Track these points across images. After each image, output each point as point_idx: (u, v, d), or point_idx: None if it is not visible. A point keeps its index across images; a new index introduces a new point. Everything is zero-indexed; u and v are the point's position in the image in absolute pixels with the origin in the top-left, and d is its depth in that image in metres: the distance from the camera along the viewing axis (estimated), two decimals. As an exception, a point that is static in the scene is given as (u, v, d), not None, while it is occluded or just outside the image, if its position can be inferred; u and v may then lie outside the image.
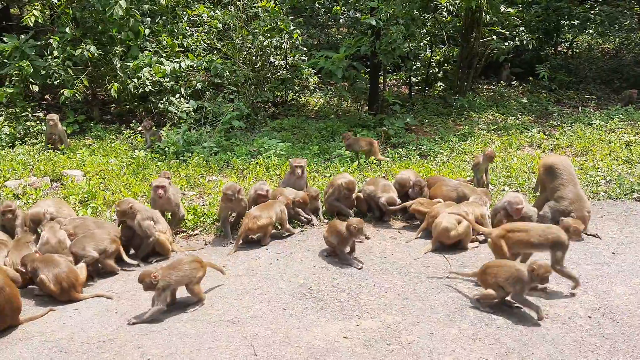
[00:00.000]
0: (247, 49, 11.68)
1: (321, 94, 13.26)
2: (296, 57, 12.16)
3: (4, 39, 9.96)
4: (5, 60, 9.92)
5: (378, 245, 6.32)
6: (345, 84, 11.64)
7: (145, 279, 4.74)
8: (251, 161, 8.88)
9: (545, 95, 13.86)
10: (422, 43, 13.05)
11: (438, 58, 14.52)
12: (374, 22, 9.98)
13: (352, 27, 14.33)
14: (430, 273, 5.61)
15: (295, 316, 4.84)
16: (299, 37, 11.98)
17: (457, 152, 9.61)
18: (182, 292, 5.10)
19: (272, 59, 11.94)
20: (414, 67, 13.75)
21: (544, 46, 15.74)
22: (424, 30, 12.72)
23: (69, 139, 9.43)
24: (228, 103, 10.83)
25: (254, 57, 11.73)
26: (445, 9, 12.62)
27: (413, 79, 13.99)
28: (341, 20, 12.69)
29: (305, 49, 12.42)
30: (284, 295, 5.19)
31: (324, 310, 4.94)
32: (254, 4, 11.54)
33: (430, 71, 14.18)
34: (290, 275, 5.60)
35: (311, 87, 13.05)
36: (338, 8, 11.17)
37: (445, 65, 14.47)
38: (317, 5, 13.30)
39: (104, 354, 4.30)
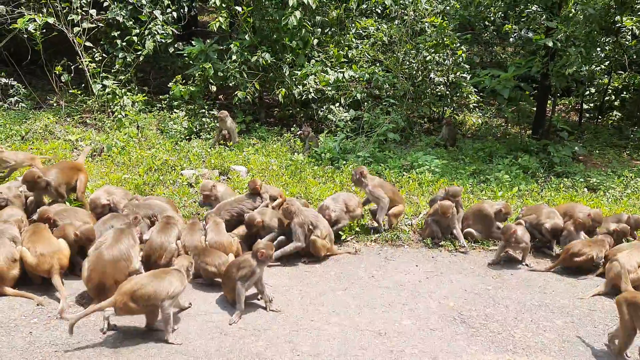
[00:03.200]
0: (408, 63, 11.67)
1: (480, 114, 12.80)
2: (457, 74, 11.88)
3: (193, 42, 11.06)
4: (191, 62, 11.01)
5: (537, 279, 5.90)
6: (504, 105, 11.08)
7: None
8: (403, 175, 8.83)
9: None
10: (599, 67, 12.00)
11: (616, 84, 13.26)
12: (550, 43, 9.39)
13: (520, 47, 13.65)
14: (596, 318, 5.10)
15: (444, 339, 4.69)
16: (463, 54, 11.71)
17: (633, 189, 8.65)
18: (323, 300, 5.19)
19: (432, 75, 11.81)
20: (587, 92, 12.67)
21: None
22: (602, 54, 11.70)
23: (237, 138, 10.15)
24: (385, 115, 10.90)
25: (414, 72, 11.70)
26: (629, 32, 11.49)
27: (585, 105, 12.91)
28: (511, 39, 12.14)
29: (467, 66, 12.08)
30: (432, 316, 5.06)
31: (475, 338, 4.73)
32: (421, 18, 11.51)
33: (606, 98, 12.98)
34: (440, 296, 5.44)
35: (471, 106, 12.65)
36: (510, 26, 10.70)
37: (624, 93, 13.15)
38: (486, 22, 12.90)
39: (258, 342, 4.53)
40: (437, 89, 11.93)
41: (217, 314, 4.93)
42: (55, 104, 10.71)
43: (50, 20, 10.01)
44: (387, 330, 4.80)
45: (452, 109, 12.24)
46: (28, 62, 10.81)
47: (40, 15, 10.04)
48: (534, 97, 11.47)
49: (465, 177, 8.83)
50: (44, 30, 10.07)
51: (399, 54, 11.42)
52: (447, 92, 11.89)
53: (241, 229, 6.23)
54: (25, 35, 10.08)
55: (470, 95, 12.26)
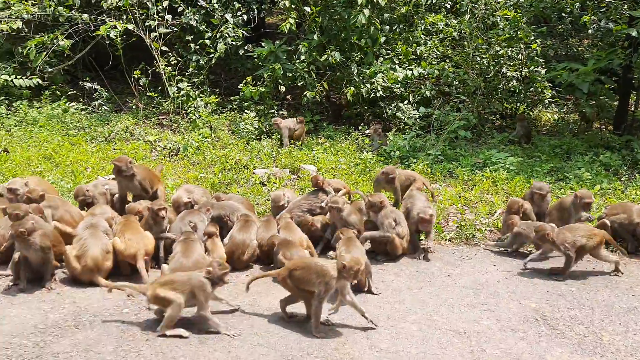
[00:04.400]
0: (479, 58, 11.39)
1: (556, 109, 12.30)
2: (531, 69, 11.47)
3: (262, 44, 11.30)
4: (260, 63, 11.25)
5: (626, 282, 5.61)
6: (584, 100, 10.58)
7: None
8: (476, 173, 8.63)
9: None
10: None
11: None
12: (634, 33, 8.89)
13: (599, 39, 12.99)
14: (694, 323, 4.79)
15: (526, 340, 4.56)
16: (537, 48, 11.29)
17: None
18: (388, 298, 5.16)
19: (504, 70, 11.46)
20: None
21: None
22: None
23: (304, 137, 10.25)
24: (455, 112, 10.70)
25: (485, 67, 11.40)
26: None
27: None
28: (590, 31, 11.57)
29: (542, 60, 11.64)
30: (514, 317, 4.93)
31: (560, 340, 4.57)
32: (493, 12, 11.21)
33: (694, 90, 12.14)
34: (520, 296, 5.29)
35: (545, 101, 12.17)
36: (588, 17, 10.22)
37: None
38: (563, 14, 12.36)
39: (336, 337, 4.57)
40: (510, 84, 11.57)
41: (295, 309, 5.01)
42: (134, 107, 11.25)
43: (130, 26, 10.53)
44: (467, 330, 4.71)
45: (525, 104, 11.84)
46: (109, 67, 11.42)
47: (121, 22, 10.57)
48: (615, 91, 10.90)
49: (542, 175, 8.52)
50: (124, 36, 10.61)
51: (469, 49, 11.17)
52: (520, 88, 11.50)
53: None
54: (107, 42, 10.66)
55: (545, 90, 11.80)
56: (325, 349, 4.39)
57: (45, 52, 10.68)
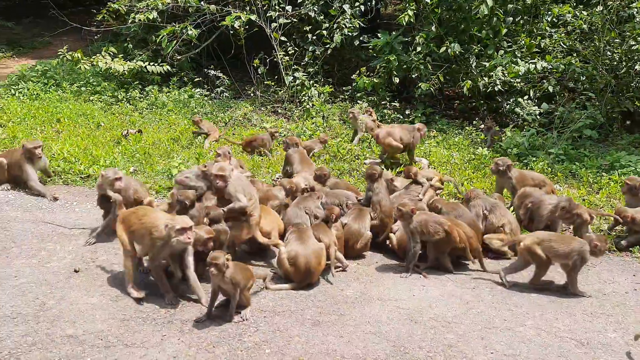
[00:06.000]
0: (610, 53, 10.57)
1: (697, 110, 11.14)
2: (672, 64, 10.45)
3: (378, 34, 11.29)
4: (375, 54, 11.26)
5: None
6: None
7: None
8: (602, 176, 8.07)
9: None
10: None
11: None
12: None
13: None
14: None
15: (659, 359, 4.23)
16: (680, 43, 10.26)
17: None
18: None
19: (637, 66, 10.54)
20: None
21: None
22: None
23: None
24: (581, 110, 10.04)
25: (616, 63, 10.56)
26: None
27: None
28: None
29: (686, 54, 10.56)
30: (644, 332, 4.59)
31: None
32: (630, 3, 10.32)
33: None
34: (652, 311, 4.91)
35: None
36: None
37: None
38: None
39: (448, 334, 4.54)
40: (644, 81, 10.62)
41: (407, 301, 5.03)
42: (252, 94, 11.75)
43: (253, 17, 10.97)
44: (590, 340, 4.48)
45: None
46: (231, 55, 12.01)
47: (245, 12, 11.05)
48: None
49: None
50: (246, 27, 11.09)
51: (599, 43, 10.41)
52: (658, 85, 10.52)
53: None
54: (231, 32, 11.20)
55: (688, 88, 10.70)
56: (437, 344, 4.38)
57: (175, 41, 11.45)
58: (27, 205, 6.82)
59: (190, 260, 4.86)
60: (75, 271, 5.29)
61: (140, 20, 11.24)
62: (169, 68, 11.69)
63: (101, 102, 11.19)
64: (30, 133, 9.03)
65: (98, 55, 11.24)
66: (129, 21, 11.56)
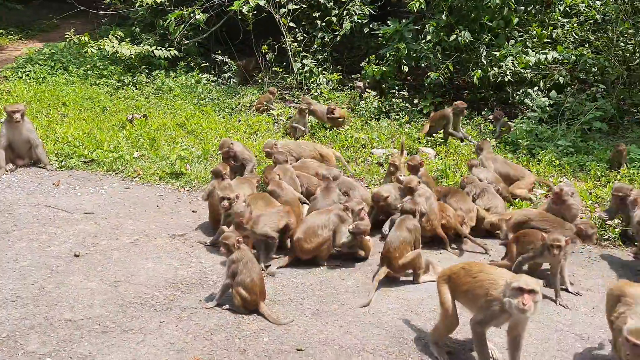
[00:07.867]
0: (623, 44, 10.38)
1: None
2: (686, 56, 10.25)
3: (388, 22, 11.15)
4: (384, 42, 11.13)
5: None
6: None
7: None
8: (612, 170, 7.94)
9: None
10: None
11: None
12: None
13: None
14: None
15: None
16: (695, 35, 10.06)
17: None
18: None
19: (651, 58, 10.36)
20: None
21: None
22: None
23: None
24: (591, 101, 9.88)
25: (629, 54, 10.38)
26: None
27: None
28: None
29: (699, 49, 10.34)
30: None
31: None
32: (648, -7, 10.13)
33: None
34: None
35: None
36: None
37: None
38: None
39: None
40: (658, 74, 10.44)
41: (409, 293, 4.99)
42: (259, 80, 11.67)
43: (261, 2, 10.84)
44: (591, 335, 4.42)
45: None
46: (239, 41, 11.92)
47: (253, -3, 10.94)
48: None
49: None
50: (255, 12, 10.97)
51: (612, 33, 10.22)
52: (671, 77, 10.34)
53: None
54: (239, 17, 11.09)
55: (702, 80, 10.51)
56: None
57: (183, 25, 11.38)
58: (30, 189, 6.85)
59: None
60: (76, 256, 5.30)
61: (147, 3, 11.19)
62: (176, 53, 11.64)
63: (107, 86, 11.18)
64: (35, 116, 9.04)
65: (105, 39, 11.21)
66: (137, 5, 11.50)
